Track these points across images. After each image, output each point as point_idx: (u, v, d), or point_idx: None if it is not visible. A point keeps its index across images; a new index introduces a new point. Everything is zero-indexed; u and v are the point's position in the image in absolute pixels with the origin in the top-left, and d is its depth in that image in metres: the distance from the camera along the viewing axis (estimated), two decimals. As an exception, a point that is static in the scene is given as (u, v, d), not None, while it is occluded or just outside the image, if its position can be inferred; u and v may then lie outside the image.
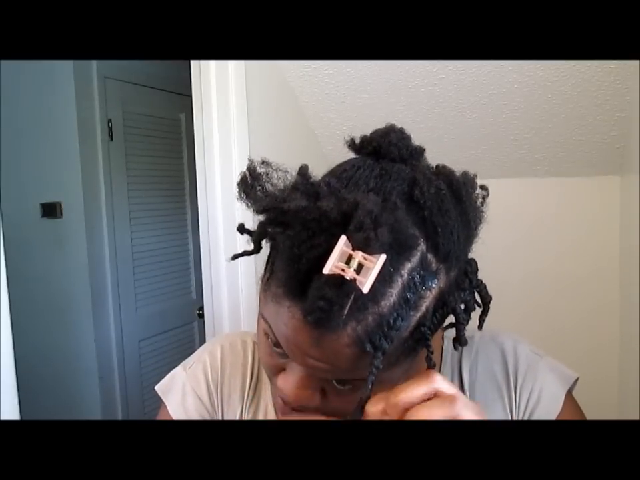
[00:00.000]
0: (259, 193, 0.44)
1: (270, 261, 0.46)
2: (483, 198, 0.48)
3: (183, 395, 0.62)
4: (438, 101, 1.40)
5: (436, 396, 0.42)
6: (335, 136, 1.59)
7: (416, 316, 0.42)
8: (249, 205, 0.44)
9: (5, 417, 0.94)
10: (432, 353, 0.44)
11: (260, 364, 0.63)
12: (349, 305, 0.37)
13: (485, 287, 0.48)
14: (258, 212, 0.42)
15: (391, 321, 0.40)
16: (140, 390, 2.25)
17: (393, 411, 0.41)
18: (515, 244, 1.59)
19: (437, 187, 0.43)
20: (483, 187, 0.48)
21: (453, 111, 1.42)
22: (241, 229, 0.49)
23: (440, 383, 0.42)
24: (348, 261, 0.36)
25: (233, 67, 1.33)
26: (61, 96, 1.98)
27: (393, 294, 0.40)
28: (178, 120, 2.39)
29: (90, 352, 2.07)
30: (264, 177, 0.45)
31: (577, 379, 0.58)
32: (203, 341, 2.16)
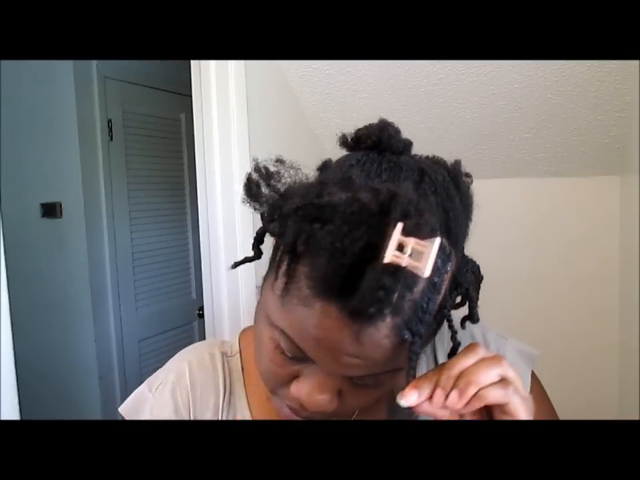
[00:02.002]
0: (272, 192, 0.43)
1: (285, 265, 0.43)
2: (469, 185, 0.49)
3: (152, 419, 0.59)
4: (438, 101, 1.40)
5: (503, 381, 0.42)
6: (335, 136, 1.58)
7: (439, 299, 0.42)
8: (258, 207, 0.43)
9: (5, 417, 0.94)
10: (456, 332, 0.46)
11: (231, 377, 0.61)
12: (397, 293, 0.37)
13: (478, 267, 0.49)
14: (286, 211, 0.40)
15: (424, 306, 0.40)
16: (140, 390, 2.25)
17: (467, 389, 0.41)
18: (514, 244, 1.59)
19: (442, 174, 0.44)
20: (467, 175, 0.49)
21: (453, 110, 1.42)
22: (264, 231, 0.46)
23: (509, 369, 0.43)
24: (400, 249, 0.36)
25: (233, 67, 1.33)
26: (61, 96, 1.98)
27: (421, 280, 0.39)
28: (178, 120, 2.39)
29: (90, 352, 2.07)
30: (276, 175, 0.44)
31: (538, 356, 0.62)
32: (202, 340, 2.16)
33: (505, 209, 1.60)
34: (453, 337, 0.46)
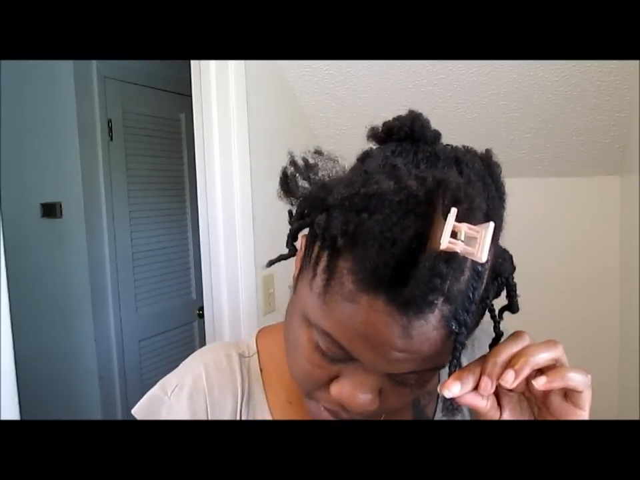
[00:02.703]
0: (311, 184, 0.42)
1: (325, 261, 0.41)
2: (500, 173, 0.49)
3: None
4: (438, 101, 1.40)
5: (557, 365, 0.41)
6: (335, 136, 1.59)
7: (482, 288, 0.41)
8: (295, 201, 0.42)
9: (5, 417, 0.94)
10: (499, 322, 0.45)
11: (249, 378, 0.59)
12: (449, 281, 0.36)
13: (511, 257, 0.48)
14: (338, 201, 0.39)
15: (470, 295, 0.39)
16: (140, 390, 2.25)
17: (523, 369, 0.40)
18: (514, 244, 1.58)
19: (478, 163, 0.44)
20: (497, 165, 0.49)
21: (452, 110, 1.42)
22: (300, 225, 0.45)
23: (563, 353, 0.42)
24: (453, 236, 0.36)
25: (233, 67, 1.33)
26: (61, 96, 1.98)
27: (467, 268, 0.39)
28: (178, 120, 2.39)
29: (90, 352, 2.07)
30: (315, 168, 0.43)
31: None
32: (202, 340, 2.16)
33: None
34: (496, 326, 0.45)
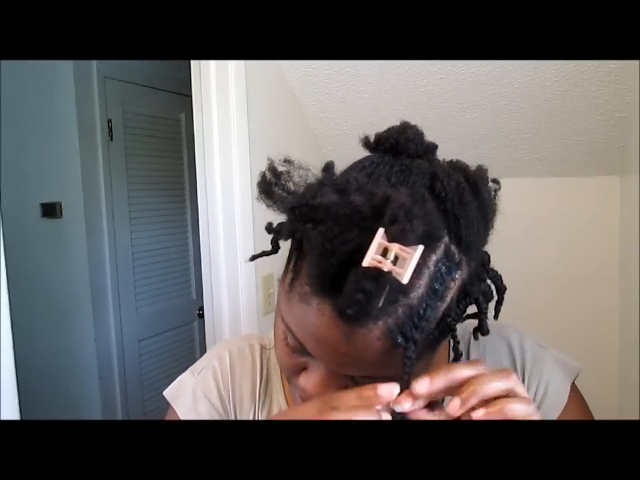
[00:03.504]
0: (281, 191, 0.44)
1: (293, 262, 0.45)
2: (495, 191, 0.49)
3: (194, 400, 0.62)
4: (438, 101, 1.40)
5: (510, 395, 0.41)
6: (335, 136, 1.59)
7: (442, 307, 0.42)
8: (271, 204, 0.44)
9: (5, 417, 0.94)
10: (458, 343, 0.45)
11: (268, 367, 0.65)
12: (384, 297, 0.37)
13: (501, 277, 0.49)
14: (285, 210, 0.42)
15: (421, 312, 0.40)
16: (140, 390, 2.25)
17: (470, 398, 0.40)
18: (514, 244, 1.59)
19: (456, 180, 0.43)
20: (495, 181, 0.49)
21: (452, 110, 1.42)
22: (269, 228, 0.48)
23: (517, 383, 0.42)
24: (384, 254, 0.37)
25: (233, 67, 1.33)
26: (61, 96, 1.98)
27: (422, 285, 0.40)
28: (178, 120, 2.39)
29: (90, 352, 2.07)
30: (286, 175, 0.45)
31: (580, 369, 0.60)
32: (202, 340, 2.16)
33: (504, 209, 1.59)
34: (455, 347, 0.45)
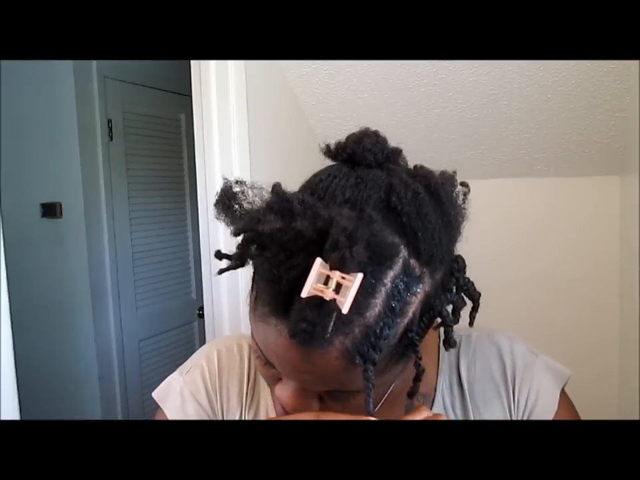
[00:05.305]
0: (236, 212, 0.44)
1: (255, 281, 0.45)
2: (464, 195, 0.47)
3: (182, 400, 0.62)
4: (438, 101, 1.40)
5: None
6: (335, 136, 1.58)
7: (403, 322, 0.42)
8: (227, 224, 0.44)
9: (5, 417, 0.94)
10: (420, 358, 0.45)
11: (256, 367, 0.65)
12: (332, 323, 0.37)
13: (473, 284, 0.47)
14: (235, 234, 0.42)
15: (378, 331, 0.40)
16: (140, 390, 2.25)
17: None
18: (514, 244, 1.59)
19: (414, 190, 0.42)
20: (464, 184, 0.48)
21: (452, 110, 1.42)
22: (219, 255, 0.48)
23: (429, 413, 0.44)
24: (326, 281, 0.36)
25: (233, 67, 1.33)
26: (61, 96, 1.98)
27: (378, 304, 0.39)
28: (178, 120, 2.39)
29: (90, 352, 2.07)
30: (240, 195, 0.44)
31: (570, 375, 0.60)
32: (202, 340, 2.16)
33: (504, 209, 1.60)
34: (417, 363, 0.45)
